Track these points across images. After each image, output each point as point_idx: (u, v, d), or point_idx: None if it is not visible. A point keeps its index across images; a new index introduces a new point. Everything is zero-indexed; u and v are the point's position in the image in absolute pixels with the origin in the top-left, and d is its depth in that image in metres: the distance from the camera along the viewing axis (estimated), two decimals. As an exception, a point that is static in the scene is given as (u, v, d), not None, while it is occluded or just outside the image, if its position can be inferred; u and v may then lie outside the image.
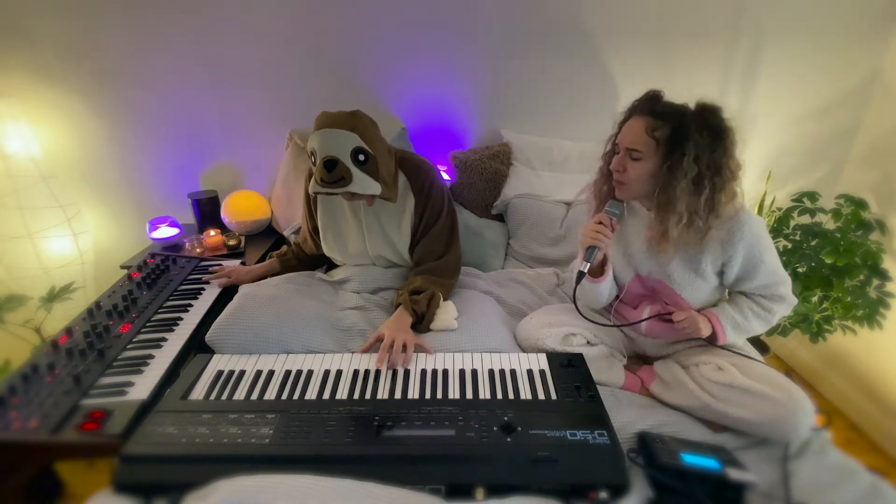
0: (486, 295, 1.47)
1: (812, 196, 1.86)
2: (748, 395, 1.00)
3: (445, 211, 1.40)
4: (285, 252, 1.55)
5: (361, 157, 1.19)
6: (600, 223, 1.13)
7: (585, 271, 1.15)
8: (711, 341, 1.17)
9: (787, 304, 1.15)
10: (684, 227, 1.05)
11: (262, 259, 1.75)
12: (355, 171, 1.18)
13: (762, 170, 2.02)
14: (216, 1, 1.72)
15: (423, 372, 1.08)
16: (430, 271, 1.37)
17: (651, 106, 1.08)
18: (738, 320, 1.13)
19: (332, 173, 1.15)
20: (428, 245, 1.40)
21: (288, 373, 1.07)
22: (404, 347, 1.12)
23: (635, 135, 1.07)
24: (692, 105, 1.06)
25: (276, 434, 0.87)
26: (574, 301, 1.21)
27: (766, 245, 1.09)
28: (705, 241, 1.07)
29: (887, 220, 1.79)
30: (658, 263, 1.17)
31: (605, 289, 1.22)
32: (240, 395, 0.99)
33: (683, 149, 1.01)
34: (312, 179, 1.20)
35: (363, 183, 1.19)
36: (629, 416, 1.03)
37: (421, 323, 1.27)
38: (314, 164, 1.19)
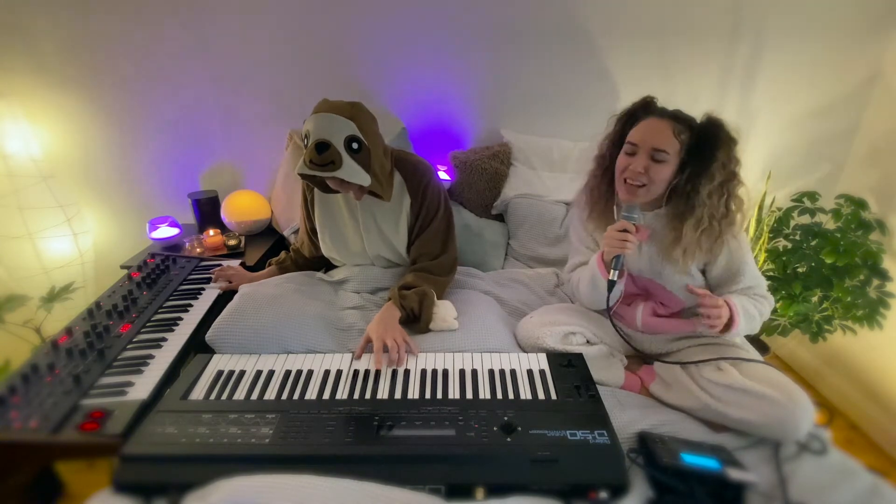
0: (486, 295, 1.47)
1: (812, 196, 1.86)
2: (748, 396, 0.99)
3: (442, 210, 1.40)
4: (284, 259, 1.54)
5: (355, 146, 1.17)
6: (625, 230, 1.09)
7: (616, 280, 1.12)
8: (723, 329, 1.12)
9: (769, 302, 1.18)
10: (702, 232, 1.07)
11: (261, 260, 1.76)
12: (346, 157, 1.15)
13: (762, 170, 2.02)
14: (216, 1, 1.72)
15: (423, 372, 1.07)
16: (424, 269, 1.37)
17: (662, 110, 1.11)
18: (749, 308, 1.12)
19: (322, 156, 1.13)
20: (424, 245, 1.39)
21: (288, 373, 1.07)
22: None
23: (663, 136, 1.07)
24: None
25: (276, 434, 0.87)
26: (610, 317, 1.20)
27: (745, 247, 1.14)
28: (714, 246, 1.10)
29: (887, 220, 1.79)
30: (648, 262, 1.19)
31: (619, 290, 1.23)
32: (240, 395, 0.99)
33: (714, 154, 1.05)
34: (301, 161, 1.17)
35: (352, 171, 1.16)
36: (629, 416, 1.03)
37: (416, 321, 1.27)
38: (306, 146, 1.16)
